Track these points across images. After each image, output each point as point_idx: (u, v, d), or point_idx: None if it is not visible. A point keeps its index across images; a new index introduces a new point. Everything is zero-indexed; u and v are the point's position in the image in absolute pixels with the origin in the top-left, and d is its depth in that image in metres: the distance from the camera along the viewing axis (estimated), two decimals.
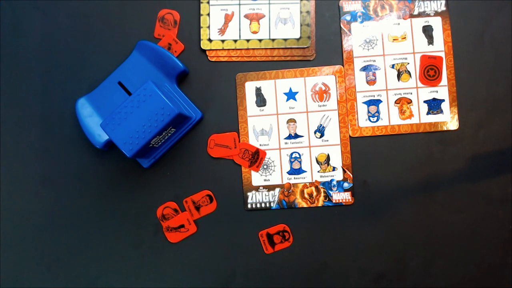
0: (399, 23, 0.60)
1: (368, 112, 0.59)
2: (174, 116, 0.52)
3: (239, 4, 0.60)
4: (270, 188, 0.59)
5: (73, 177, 0.59)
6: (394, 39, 0.60)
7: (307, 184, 0.59)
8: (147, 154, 0.57)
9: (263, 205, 0.59)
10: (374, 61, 0.60)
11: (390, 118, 0.59)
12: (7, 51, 0.61)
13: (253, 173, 0.59)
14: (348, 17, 0.60)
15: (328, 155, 0.59)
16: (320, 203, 0.58)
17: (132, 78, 0.58)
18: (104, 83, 0.58)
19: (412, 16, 0.60)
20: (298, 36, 0.59)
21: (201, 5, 0.60)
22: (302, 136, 0.59)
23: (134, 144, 0.52)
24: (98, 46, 0.60)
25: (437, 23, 0.60)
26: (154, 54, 0.57)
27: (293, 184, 0.59)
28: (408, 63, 0.59)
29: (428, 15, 0.60)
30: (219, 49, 0.60)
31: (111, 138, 0.52)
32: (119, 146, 0.52)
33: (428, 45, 0.60)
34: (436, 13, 0.60)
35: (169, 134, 0.56)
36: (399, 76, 0.59)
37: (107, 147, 0.57)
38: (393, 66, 0.60)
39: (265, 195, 0.59)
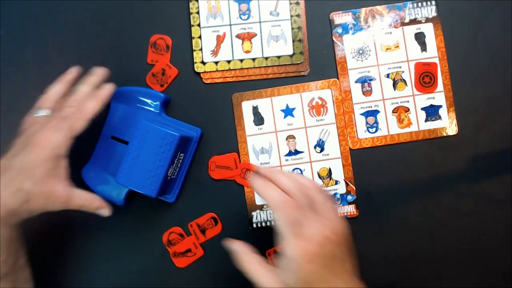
0: (391, 32, 0.60)
1: (367, 123, 0.59)
2: (178, 140, 0.52)
3: (230, 25, 0.60)
4: None
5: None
6: (387, 49, 0.60)
7: None
8: (169, 189, 0.57)
9: (268, 223, 0.58)
10: (369, 71, 0.60)
11: (389, 128, 0.59)
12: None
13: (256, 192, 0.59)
14: (339, 30, 0.60)
15: (330, 169, 0.59)
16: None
17: (122, 128, 0.57)
18: (98, 143, 0.58)
19: (403, 24, 0.60)
20: (291, 53, 0.59)
21: (192, 28, 0.60)
22: (302, 152, 0.59)
23: (154, 183, 0.53)
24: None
25: (429, 29, 0.60)
26: (130, 95, 0.57)
27: None
28: (403, 72, 0.59)
29: (420, 22, 0.60)
30: (213, 71, 0.60)
31: (131, 187, 0.53)
32: (141, 191, 0.53)
33: (422, 52, 0.60)
34: (428, 20, 0.60)
35: (181, 160, 0.57)
36: (394, 85, 0.59)
37: (127, 202, 0.57)
38: (388, 76, 0.59)
39: (270, 214, 0.59)
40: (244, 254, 0.48)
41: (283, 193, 0.45)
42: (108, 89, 0.54)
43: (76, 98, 0.53)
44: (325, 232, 0.44)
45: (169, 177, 0.54)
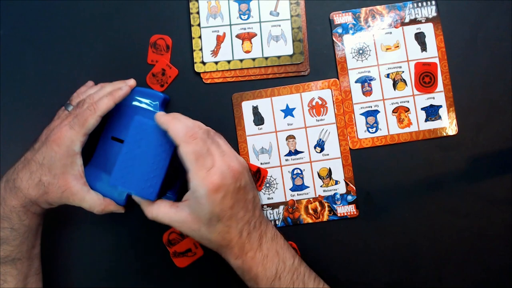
0: (391, 32, 0.60)
1: (367, 123, 0.59)
2: None
3: (230, 25, 0.60)
4: (274, 206, 0.59)
5: (76, 208, 0.59)
6: (387, 48, 0.60)
7: (311, 199, 0.59)
8: (170, 189, 0.56)
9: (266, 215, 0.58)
10: (369, 71, 0.60)
11: (389, 128, 0.59)
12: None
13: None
14: (339, 30, 0.60)
15: (330, 169, 0.59)
16: (325, 218, 0.58)
17: (122, 128, 0.57)
18: (99, 144, 0.58)
19: (403, 24, 0.60)
20: (291, 53, 0.59)
21: (192, 28, 0.60)
22: (302, 152, 0.59)
23: (153, 185, 0.49)
24: (94, 77, 0.60)
25: (429, 29, 0.60)
26: (129, 95, 0.57)
27: (296, 200, 0.59)
28: (403, 72, 0.59)
29: (420, 22, 0.60)
30: (213, 71, 0.60)
31: (128, 190, 0.50)
32: (138, 195, 0.50)
33: (422, 52, 0.60)
34: (428, 19, 0.60)
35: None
36: (394, 85, 0.59)
37: (128, 202, 0.56)
38: (388, 76, 0.59)
39: (270, 214, 0.59)
40: (148, 204, 0.50)
41: (188, 126, 0.47)
42: (123, 88, 0.54)
43: (90, 95, 0.55)
44: (228, 164, 0.47)
45: (168, 178, 0.53)
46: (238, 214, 0.48)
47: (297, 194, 0.59)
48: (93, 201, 0.52)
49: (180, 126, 0.47)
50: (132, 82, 0.57)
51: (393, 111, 0.59)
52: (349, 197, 0.59)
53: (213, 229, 0.47)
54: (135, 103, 0.58)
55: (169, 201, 0.50)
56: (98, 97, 0.53)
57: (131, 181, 0.49)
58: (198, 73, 0.60)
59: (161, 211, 0.49)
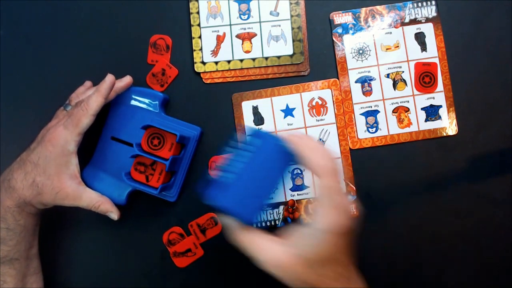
0: (391, 32, 0.60)
1: (367, 123, 0.59)
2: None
3: (230, 25, 0.60)
4: (274, 206, 0.59)
5: (76, 208, 0.59)
6: (387, 48, 0.60)
7: (311, 199, 0.59)
8: (169, 188, 0.56)
9: (268, 223, 0.59)
10: (369, 71, 0.60)
11: (389, 128, 0.59)
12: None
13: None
14: (339, 30, 0.60)
15: None
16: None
17: (121, 128, 0.57)
18: (99, 144, 0.58)
19: (403, 24, 0.60)
20: (291, 53, 0.59)
21: (192, 28, 0.60)
22: None
23: (256, 207, 0.43)
24: (94, 77, 0.60)
25: (429, 29, 0.60)
26: (129, 95, 0.57)
27: (296, 200, 0.59)
28: (403, 72, 0.59)
29: (420, 21, 0.60)
30: (213, 71, 0.60)
31: (232, 211, 0.42)
32: (239, 217, 0.42)
33: (422, 52, 0.60)
34: (428, 19, 0.60)
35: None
36: (394, 85, 0.59)
37: (128, 202, 0.57)
38: (388, 76, 0.59)
39: (270, 214, 0.59)
40: (239, 226, 0.42)
41: (330, 160, 0.41)
42: (107, 80, 0.53)
43: (83, 94, 0.55)
44: (353, 208, 0.42)
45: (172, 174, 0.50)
46: (345, 271, 0.42)
47: (297, 194, 0.59)
48: (90, 198, 0.52)
49: (321, 160, 0.41)
50: (128, 79, 0.57)
51: (393, 111, 0.59)
52: (349, 197, 0.58)
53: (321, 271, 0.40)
54: (134, 103, 0.58)
55: (270, 233, 0.42)
56: (88, 96, 0.53)
57: (240, 201, 0.42)
58: (198, 73, 0.60)
59: (251, 239, 0.41)
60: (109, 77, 0.53)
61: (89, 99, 0.52)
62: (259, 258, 0.40)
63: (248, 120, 0.59)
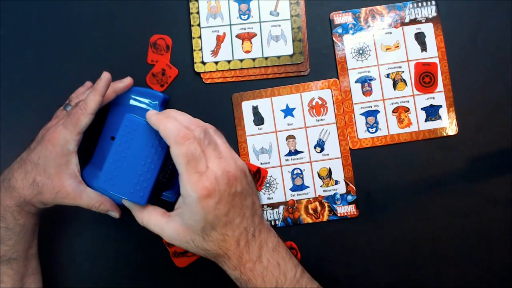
0: (391, 32, 0.60)
1: (367, 123, 0.59)
2: None
3: (230, 25, 0.60)
4: (274, 206, 0.59)
5: (75, 208, 0.59)
6: (387, 48, 0.60)
7: (311, 199, 0.59)
8: (167, 189, 0.56)
9: (268, 223, 0.58)
10: (369, 71, 0.60)
11: (389, 128, 0.59)
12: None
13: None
14: (339, 30, 0.60)
15: (330, 169, 0.59)
16: (325, 218, 0.58)
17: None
18: (99, 144, 0.58)
19: (403, 24, 0.60)
20: (291, 53, 0.59)
21: (192, 28, 0.60)
22: (303, 152, 0.59)
23: (143, 188, 0.47)
24: (94, 77, 0.60)
25: (429, 29, 0.60)
26: (129, 96, 0.57)
27: (296, 200, 0.59)
28: (403, 72, 0.59)
29: (420, 21, 0.60)
30: (213, 71, 0.60)
31: (117, 193, 0.47)
32: (128, 198, 0.47)
33: (422, 52, 0.60)
34: (428, 19, 0.60)
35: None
36: (394, 85, 0.59)
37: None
38: (388, 76, 0.59)
39: (270, 214, 0.59)
40: (139, 209, 0.48)
41: (181, 126, 0.44)
42: (103, 78, 0.52)
43: (83, 94, 0.55)
44: (223, 167, 0.44)
45: (160, 181, 0.50)
46: (234, 221, 0.45)
47: (297, 194, 0.59)
48: (90, 198, 0.52)
49: (171, 126, 0.44)
50: (128, 80, 0.57)
51: (393, 111, 0.59)
52: (349, 197, 0.59)
53: (207, 238, 0.45)
54: (134, 103, 0.58)
55: (162, 209, 0.48)
56: (86, 96, 0.53)
57: (120, 184, 0.46)
58: (198, 73, 0.60)
59: (152, 219, 0.47)
60: (105, 75, 0.52)
61: (87, 98, 0.52)
62: (163, 234, 0.46)
63: (248, 120, 0.59)
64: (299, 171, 0.59)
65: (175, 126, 0.44)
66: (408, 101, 0.59)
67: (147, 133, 0.47)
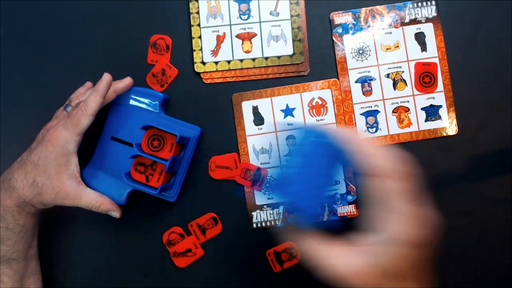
0: (391, 32, 0.60)
1: (367, 123, 0.59)
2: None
3: (230, 25, 0.60)
4: (274, 206, 0.59)
5: (75, 208, 0.59)
6: (387, 48, 0.60)
7: None
8: (169, 188, 0.56)
9: (268, 223, 0.59)
10: (369, 71, 0.59)
11: (389, 128, 0.59)
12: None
13: (256, 192, 0.59)
14: (339, 30, 0.60)
15: None
16: (325, 218, 0.58)
17: (121, 128, 0.57)
18: (99, 144, 0.58)
19: (403, 24, 0.60)
20: (291, 53, 0.59)
21: (192, 28, 0.60)
22: None
23: (317, 209, 0.41)
24: (94, 77, 0.60)
25: (429, 29, 0.60)
26: (129, 96, 0.57)
27: None
28: (403, 72, 0.59)
29: (420, 21, 0.60)
30: (213, 71, 0.60)
31: (298, 215, 0.40)
32: (305, 221, 0.40)
33: (422, 52, 0.60)
34: (428, 19, 0.60)
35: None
36: (394, 85, 0.59)
37: (128, 201, 0.56)
38: (388, 76, 0.59)
39: (270, 214, 0.59)
40: (309, 234, 0.40)
41: (396, 161, 0.38)
42: (104, 80, 0.53)
43: (84, 95, 0.55)
44: (434, 219, 0.37)
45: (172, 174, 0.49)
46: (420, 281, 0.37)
47: None
48: (90, 198, 0.52)
49: (388, 163, 0.37)
50: (128, 80, 0.57)
51: (393, 111, 0.59)
52: (349, 197, 0.58)
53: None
54: (134, 103, 0.58)
55: (338, 241, 0.39)
56: (87, 97, 0.53)
57: (304, 196, 0.40)
58: (198, 73, 0.60)
59: (330, 250, 0.38)
60: (106, 76, 0.53)
61: (88, 99, 0.52)
62: (331, 268, 0.36)
63: (248, 120, 0.59)
64: None
65: (393, 162, 0.38)
66: (408, 101, 0.59)
67: (328, 151, 0.41)
